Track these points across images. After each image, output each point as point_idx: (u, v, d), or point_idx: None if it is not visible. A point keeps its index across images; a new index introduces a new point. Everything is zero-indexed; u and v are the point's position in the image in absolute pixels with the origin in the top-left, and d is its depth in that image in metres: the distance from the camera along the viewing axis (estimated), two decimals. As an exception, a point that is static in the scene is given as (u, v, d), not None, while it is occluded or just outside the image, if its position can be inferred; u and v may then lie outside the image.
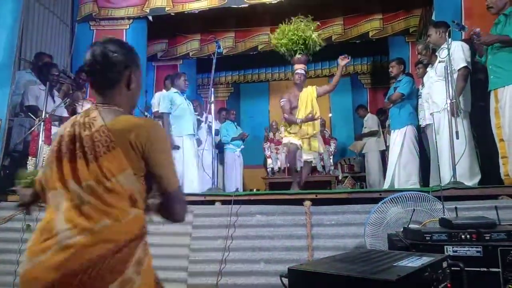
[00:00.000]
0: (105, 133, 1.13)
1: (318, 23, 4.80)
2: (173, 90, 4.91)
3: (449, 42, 3.43)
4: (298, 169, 5.00)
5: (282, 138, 7.55)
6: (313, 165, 4.71)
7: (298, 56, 4.60)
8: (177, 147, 4.69)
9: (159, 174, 1.17)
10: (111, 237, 1.09)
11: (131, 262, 1.09)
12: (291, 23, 4.67)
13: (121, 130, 1.13)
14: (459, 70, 3.54)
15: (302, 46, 4.55)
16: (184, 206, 1.24)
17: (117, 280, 1.05)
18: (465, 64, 3.53)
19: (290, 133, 4.56)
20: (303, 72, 4.59)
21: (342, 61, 4.44)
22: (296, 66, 4.63)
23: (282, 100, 4.65)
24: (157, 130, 1.17)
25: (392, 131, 4.69)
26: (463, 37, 4.05)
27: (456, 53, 3.55)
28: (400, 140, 4.48)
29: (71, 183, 1.13)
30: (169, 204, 1.20)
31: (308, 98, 4.52)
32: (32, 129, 3.77)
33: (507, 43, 3.23)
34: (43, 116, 3.74)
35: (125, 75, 1.22)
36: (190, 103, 5.07)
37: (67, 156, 1.15)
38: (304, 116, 4.42)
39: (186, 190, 4.53)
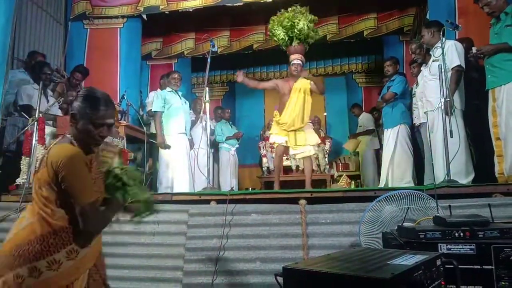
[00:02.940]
0: (45, 155, 1.57)
1: (316, 18, 4.54)
2: (168, 89, 4.90)
3: (443, 41, 3.45)
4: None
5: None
6: (311, 155, 4.41)
7: (294, 44, 4.39)
8: (168, 147, 4.67)
9: (69, 191, 1.49)
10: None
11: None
12: (290, 10, 4.43)
13: (49, 155, 1.53)
14: (452, 68, 3.57)
15: (299, 34, 4.33)
16: (93, 221, 1.52)
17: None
18: (458, 63, 3.56)
19: (279, 123, 4.36)
20: (299, 62, 4.36)
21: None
22: (292, 57, 4.40)
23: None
24: (69, 163, 1.48)
25: (385, 130, 4.72)
26: (457, 36, 4.08)
27: (450, 52, 3.58)
28: (393, 139, 4.51)
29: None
30: (78, 215, 1.49)
31: (301, 90, 4.30)
32: (26, 128, 3.74)
33: (507, 50, 3.26)
34: (36, 116, 3.71)
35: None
36: (186, 102, 5.06)
37: None
38: (293, 108, 4.25)
39: (176, 189, 4.51)
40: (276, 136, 4.39)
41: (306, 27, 4.31)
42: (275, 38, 4.53)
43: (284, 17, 4.37)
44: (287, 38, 4.40)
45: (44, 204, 1.52)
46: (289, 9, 4.44)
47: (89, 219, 1.49)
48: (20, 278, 1.42)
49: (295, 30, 4.31)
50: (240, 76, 4.40)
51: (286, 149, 4.42)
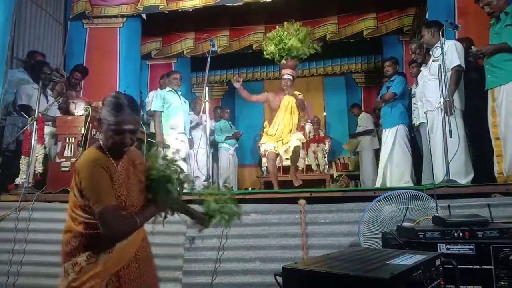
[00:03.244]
0: None
1: (308, 29, 4.76)
2: (168, 88, 4.89)
3: (443, 42, 3.45)
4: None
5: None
6: (297, 144, 4.58)
7: (284, 61, 4.61)
8: (167, 146, 4.66)
9: (87, 197, 1.52)
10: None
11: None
12: (282, 28, 4.65)
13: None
14: (452, 68, 3.57)
15: (288, 52, 4.55)
16: (113, 226, 1.51)
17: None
18: (458, 63, 3.56)
19: (268, 134, 4.63)
20: (289, 77, 4.60)
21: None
22: (283, 71, 4.65)
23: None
24: (85, 167, 1.53)
25: (384, 130, 4.73)
26: (456, 36, 4.08)
27: (450, 52, 3.58)
28: (391, 139, 4.53)
29: None
30: (97, 220, 1.49)
31: (289, 104, 4.56)
32: (25, 128, 3.73)
33: (506, 50, 3.27)
34: (35, 115, 3.71)
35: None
36: (186, 102, 5.05)
37: None
38: (281, 121, 4.53)
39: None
40: (266, 145, 4.63)
41: (296, 45, 4.50)
42: (265, 54, 4.72)
43: (276, 34, 4.60)
44: (277, 55, 4.62)
45: (72, 208, 1.59)
46: (284, 24, 4.64)
47: (107, 223, 1.49)
48: (66, 272, 1.54)
49: (285, 48, 4.51)
50: (237, 83, 4.64)
51: (277, 155, 4.65)
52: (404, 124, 4.56)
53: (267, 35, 4.78)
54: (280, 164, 7.35)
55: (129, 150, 1.67)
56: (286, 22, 4.67)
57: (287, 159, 4.95)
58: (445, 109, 3.33)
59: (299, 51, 4.55)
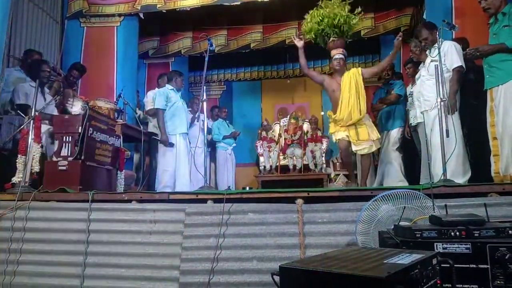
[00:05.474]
0: None
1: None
2: (168, 86, 4.88)
3: (439, 41, 3.47)
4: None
5: (274, 136, 7.61)
6: (373, 151, 4.21)
7: (332, 40, 4.24)
8: (171, 145, 4.66)
9: None
10: None
11: None
12: (321, 7, 4.25)
13: None
14: (453, 69, 3.58)
15: (336, 29, 4.17)
16: None
17: None
18: (460, 64, 3.57)
19: (335, 120, 4.20)
20: (341, 56, 4.22)
21: (398, 41, 4.04)
22: (333, 52, 4.26)
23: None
24: None
25: (385, 131, 4.81)
26: (453, 36, 4.09)
27: (450, 53, 3.60)
28: (393, 141, 4.63)
29: None
30: None
31: (352, 81, 4.13)
32: (22, 127, 3.72)
33: (504, 50, 3.28)
34: (32, 114, 3.69)
35: None
36: (184, 102, 5.06)
37: None
38: (347, 102, 4.07)
39: (178, 188, 4.52)
40: (337, 134, 4.24)
41: (341, 20, 4.14)
42: (310, 39, 4.40)
43: (316, 14, 4.22)
44: (326, 37, 4.26)
45: None
46: (322, 2, 4.28)
47: None
48: None
49: (330, 25, 4.16)
50: (300, 41, 4.27)
51: (349, 144, 4.20)
52: (401, 126, 4.71)
53: (305, 17, 4.35)
54: (278, 164, 7.37)
55: None
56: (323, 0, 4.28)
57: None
58: (447, 109, 3.33)
59: (347, 27, 4.20)
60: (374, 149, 4.19)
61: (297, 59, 4.43)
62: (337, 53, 4.24)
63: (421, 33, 3.85)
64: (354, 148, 4.19)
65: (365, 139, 4.09)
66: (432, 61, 3.75)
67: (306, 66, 4.41)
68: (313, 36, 4.33)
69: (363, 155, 4.21)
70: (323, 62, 8.27)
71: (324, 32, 4.22)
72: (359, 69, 4.24)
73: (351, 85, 4.11)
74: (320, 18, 4.16)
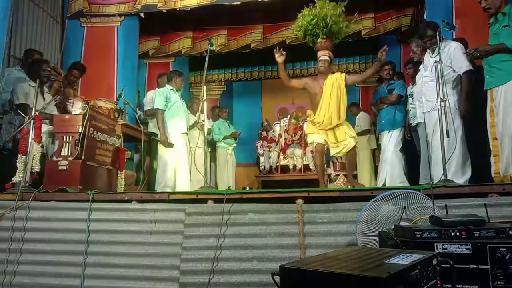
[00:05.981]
0: None
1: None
2: (168, 87, 4.88)
3: (440, 42, 3.47)
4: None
5: (274, 136, 7.61)
6: (354, 145, 4.18)
7: (320, 41, 4.23)
8: (171, 145, 4.66)
9: None
10: None
11: None
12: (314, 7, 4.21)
13: None
14: (465, 73, 3.59)
15: (324, 30, 4.15)
16: None
17: None
18: (470, 68, 3.58)
19: (314, 123, 4.20)
20: (327, 58, 4.21)
21: (382, 55, 4.01)
22: (320, 53, 4.26)
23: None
24: None
25: (386, 131, 4.82)
26: (453, 37, 4.09)
27: (457, 56, 3.61)
28: (393, 141, 4.64)
29: None
30: None
31: (334, 85, 4.11)
32: (22, 126, 3.72)
33: (504, 51, 3.28)
34: (33, 114, 3.69)
35: None
36: (184, 102, 5.05)
37: None
38: (328, 106, 4.07)
39: (178, 188, 4.52)
40: (314, 136, 4.25)
41: (331, 22, 4.11)
42: (297, 33, 4.38)
43: (309, 13, 4.20)
44: (314, 32, 4.22)
45: None
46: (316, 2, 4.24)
47: None
48: None
49: (320, 26, 4.15)
50: (281, 56, 4.22)
51: (324, 146, 4.27)
52: (401, 126, 4.74)
53: (298, 15, 4.34)
54: (278, 164, 7.38)
55: None
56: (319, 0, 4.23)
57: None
58: (461, 113, 3.57)
59: (336, 28, 4.18)
60: (352, 145, 4.17)
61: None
62: (323, 55, 4.24)
63: (426, 32, 3.84)
64: (332, 152, 4.24)
65: (342, 139, 4.12)
66: (435, 62, 3.75)
67: (287, 79, 4.39)
68: (302, 35, 4.33)
69: (349, 152, 4.22)
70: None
71: (313, 31, 4.22)
72: (343, 74, 4.25)
73: (333, 89, 4.12)
74: (311, 17, 4.15)
